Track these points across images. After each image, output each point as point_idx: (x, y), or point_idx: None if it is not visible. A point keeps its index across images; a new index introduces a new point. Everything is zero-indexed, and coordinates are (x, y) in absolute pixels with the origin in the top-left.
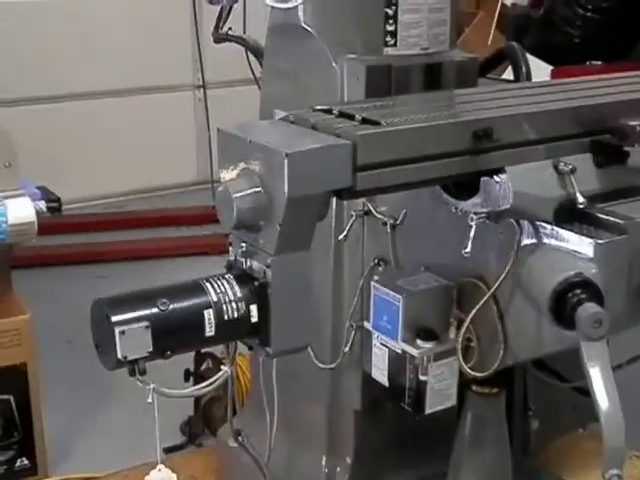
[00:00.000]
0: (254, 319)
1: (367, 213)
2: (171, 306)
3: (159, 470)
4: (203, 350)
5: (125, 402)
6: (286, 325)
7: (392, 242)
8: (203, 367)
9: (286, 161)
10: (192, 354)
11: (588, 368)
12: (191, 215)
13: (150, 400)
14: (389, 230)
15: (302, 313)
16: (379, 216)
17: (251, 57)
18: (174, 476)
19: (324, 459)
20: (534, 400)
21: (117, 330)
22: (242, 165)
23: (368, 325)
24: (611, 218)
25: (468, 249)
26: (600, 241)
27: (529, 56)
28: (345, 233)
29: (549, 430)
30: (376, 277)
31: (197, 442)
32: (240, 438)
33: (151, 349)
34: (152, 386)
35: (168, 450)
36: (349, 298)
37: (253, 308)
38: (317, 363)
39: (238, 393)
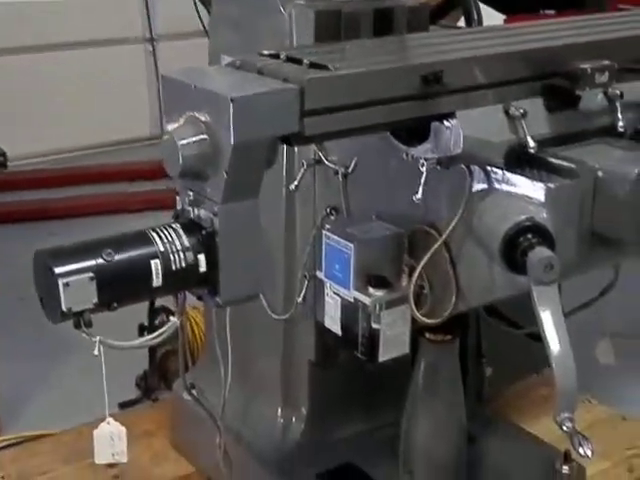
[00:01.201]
0: (202, 268)
1: (318, 162)
2: (116, 256)
3: (108, 423)
4: (157, 304)
5: (80, 358)
6: (235, 274)
7: (343, 191)
8: (157, 321)
9: (231, 106)
10: (146, 309)
11: (539, 312)
12: (143, 170)
13: (96, 353)
14: (340, 179)
15: (251, 262)
16: (330, 165)
17: (200, 7)
18: (123, 429)
19: (279, 410)
20: (488, 347)
21: (61, 282)
22: (188, 113)
23: (320, 274)
24: (562, 162)
25: (419, 195)
26: (551, 185)
27: (481, 5)
28: (296, 182)
29: (503, 377)
30: (328, 226)
31: (153, 397)
32: (194, 391)
33: (96, 301)
34: (98, 338)
35: (123, 405)
36: (301, 248)
37: (201, 257)
38: (270, 314)
39: (192, 346)
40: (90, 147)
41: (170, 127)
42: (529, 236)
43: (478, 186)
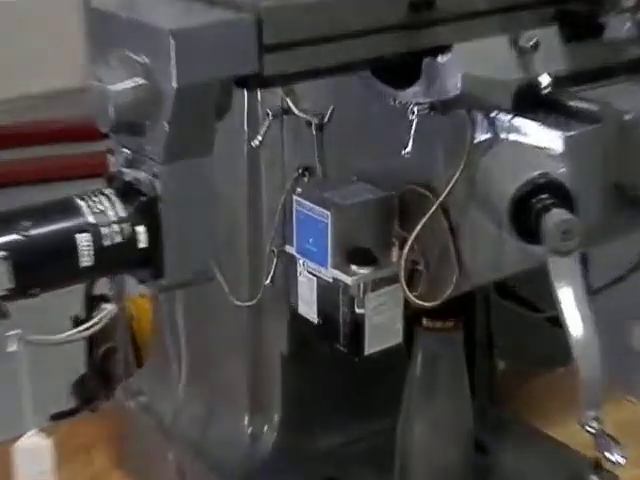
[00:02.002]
0: (142, 244)
1: (287, 112)
2: (35, 230)
3: (30, 436)
4: (96, 292)
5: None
6: (183, 250)
7: (318, 146)
8: (96, 313)
9: (172, 41)
10: (81, 299)
11: (557, 289)
12: (75, 128)
13: (12, 349)
14: (314, 131)
15: (204, 235)
16: (301, 114)
17: None
18: (49, 443)
19: (247, 418)
20: (500, 335)
21: None
22: (120, 52)
23: (292, 249)
24: (583, 104)
25: (409, 149)
26: (569, 132)
27: None
28: (260, 137)
29: (519, 371)
30: (299, 190)
31: (92, 406)
32: (141, 398)
33: (12, 285)
34: (16, 332)
35: (56, 417)
36: (268, 218)
37: (140, 230)
38: (232, 299)
39: (139, 342)
40: (9, 101)
41: (98, 71)
42: (543, 196)
43: (481, 136)
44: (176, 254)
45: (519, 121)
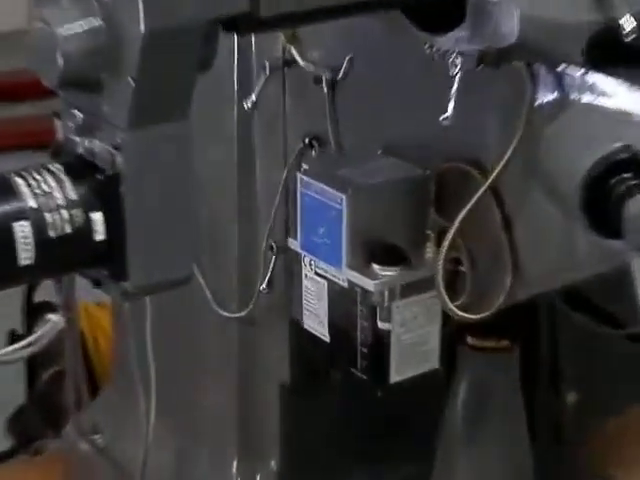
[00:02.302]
0: (99, 236)
1: (289, 64)
2: None
3: None
4: (37, 299)
5: None
6: (152, 245)
7: (330, 109)
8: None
9: None
10: (19, 307)
11: None
12: (16, 83)
13: None
14: (325, 89)
15: (178, 225)
16: (308, 67)
17: None
18: None
19: (235, 464)
20: (569, 358)
21: None
22: None
23: (295, 244)
24: None
25: (449, 114)
26: None
27: None
28: (254, 97)
29: (595, 405)
30: (306, 166)
31: (33, 447)
32: (97, 437)
33: None
34: None
35: None
36: (265, 203)
37: (96, 218)
38: (217, 311)
39: (95, 365)
40: None
41: (44, 10)
42: (626, 175)
43: (545, 97)
44: (143, 250)
45: (594, 77)
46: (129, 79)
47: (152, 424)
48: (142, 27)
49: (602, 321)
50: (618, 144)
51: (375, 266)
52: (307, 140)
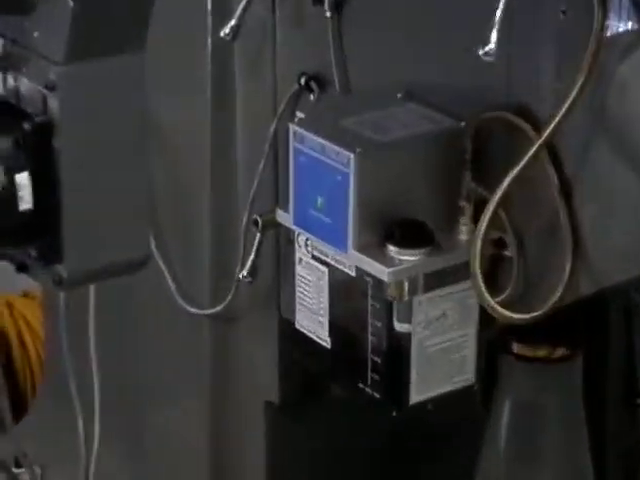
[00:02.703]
0: (25, 204)
1: None
2: None
3: None
4: None
5: None
6: (94, 217)
7: (335, 38)
8: None
9: None
10: None
11: None
12: None
13: None
14: (328, 12)
15: (131, 194)
16: None
17: None
18: None
19: None
20: None
21: None
22: None
23: (286, 219)
24: None
25: (492, 46)
26: None
27: None
28: (233, 23)
29: None
30: (301, 115)
31: None
32: (21, 470)
33: None
34: None
35: None
36: (247, 165)
37: (22, 180)
38: (184, 305)
39: (19, 377)
40: None
41: None
42: None
43: (619, 25)
44: (83, 223)
45: None
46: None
47: (95, 452)
48: None
49: None
50: None
51: (391, 248)
52: (303, 80)
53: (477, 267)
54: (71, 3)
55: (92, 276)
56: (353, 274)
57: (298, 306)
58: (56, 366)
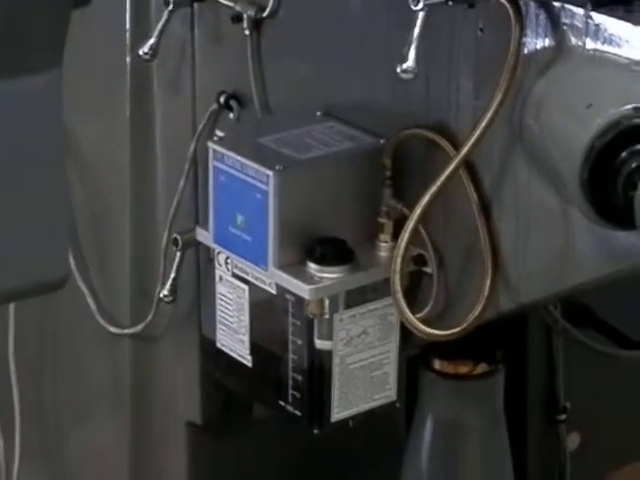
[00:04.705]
0: None
1: None
2: None
3: None
4: None
5: None
6: (10, 235)
7: (254, 57)
8: None
9: None
10: None
11: None
12: None
13: None
14: (247, 31)
15: (47, 210)
16: (225, 1)
17: None
18: None
19: None
20: (571, 391)
21: None
22: None
23: (205, 237)
24: None
25: (410, 63)
26: None
27: None
28: (153, 41)
29: (604, 451)
30: (220, 134)
31: None
32: None
33: None
34: None
35: None
36: (166, 183)
37: None
38: (103, 325)
39: None
40: None
41: None
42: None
43: (536, 42)
44: (0, 243)
45: (600, 19)
46: None
47: (16, 471)
48: None
49: (611, 340)
50: (629, 106)
51: (312, 266)
52: (223, 99)
53: (397, 284)
54: None
55: (10, 296)
56: (274, 292)
57: (219, 325)
58: None
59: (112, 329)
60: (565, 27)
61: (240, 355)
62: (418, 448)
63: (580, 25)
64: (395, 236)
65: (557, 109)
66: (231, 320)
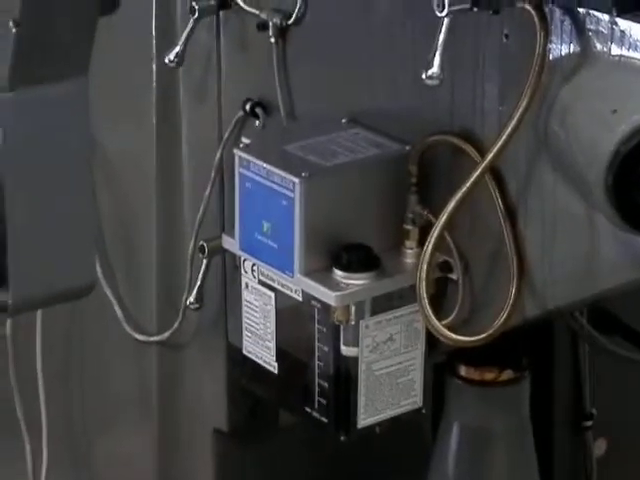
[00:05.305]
0: None
1: (225, 5)
2: None
3: None
4: None
5: None
6: (39, 243)
7: (279, 65)
8: None
9: None
10: None
11: None
12: None
13: None
14: (273, 39)
15: (74, 218)
16: (251, 9)
17: None
18: None
19: None
20: (597, 397)
21: None
22: None
23: (232, 244)
24: None
25: (435, 70)
26: None
27: None
28: (179, 49)
29: (630, 457)
30: (246, 141)
31: None
32: None
33: None
34: None
35: None
36: (193, 191)
37: None
38: (131, 332)
39: None
40: None
41: None
42: None
43: (561, 48)
44: (27, 249)
45: (626, 24)
46: (10, 23)
47: (44, 478)
48: None
49: (636, 346)
50: None
51: (338, 273)
52: (248, 106)
53: (423, 290)
54: (14, 28)
55: (37, 303)
56: (300, 299)
57: (245, 332)
58: (3, 393)
59: (139, 336)
60: (590, 33)
61: (266, 362)
62: (444, 455)
63: (605, 31)
64: (421, 243)
65: (582, 115)
66: (257, 327)
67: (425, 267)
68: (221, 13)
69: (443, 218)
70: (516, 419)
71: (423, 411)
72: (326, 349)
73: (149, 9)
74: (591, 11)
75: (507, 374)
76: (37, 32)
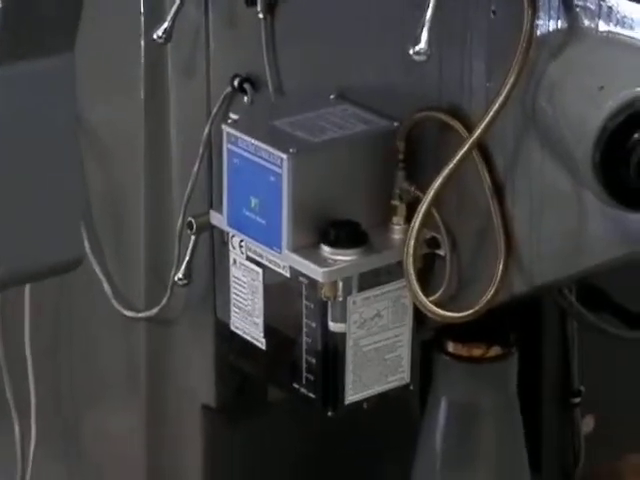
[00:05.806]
0: None
1: None
2: None
3: None
4: None
5: None
6: (26, 217)
7: (268, 40)
8: None
9: None
10: None
11: None
12: None
13: None
14: (261, 14)
15: (61, 192)
16: None
17: None
18: None
19: None
20: (585, 374)
21: None
22: None
23: (220, 220)
24: None
25: (423, 45)
26: None
27: None
28: (167, 25)
29: (618, 434)
30: (234, 116)
31: None
32: None
33: None
34: None
35: None
36: (181, 167)
37: None
38: (119, 308)
39: None
40: None
41: None
42: None
43: (549, 24)
44: (14, 224)
45: (614, 1)
46: None
47: (32, 454)
48: None
49: (625, 323)
50: None
51: (325, 249)
52: (237, 82)
53: (411, 266)
54: (0, 3)
55: (25, 277)
56: (288, 275)
57: (233, 308)
58: None
59: (127, 313)
60: (578, 9)
61: (254, 338)
62: (432, 431)
63: (593, 7)
64: (408, 219)
65: (570, 91)
66: (245, 303)
67: (412, 243)
68: None
69: (430, 194)
70: (504, 395)
71: (411, 387)
72: (314, 325)
73: None
74: None
75: (495, 350)
76: (22, 7)
